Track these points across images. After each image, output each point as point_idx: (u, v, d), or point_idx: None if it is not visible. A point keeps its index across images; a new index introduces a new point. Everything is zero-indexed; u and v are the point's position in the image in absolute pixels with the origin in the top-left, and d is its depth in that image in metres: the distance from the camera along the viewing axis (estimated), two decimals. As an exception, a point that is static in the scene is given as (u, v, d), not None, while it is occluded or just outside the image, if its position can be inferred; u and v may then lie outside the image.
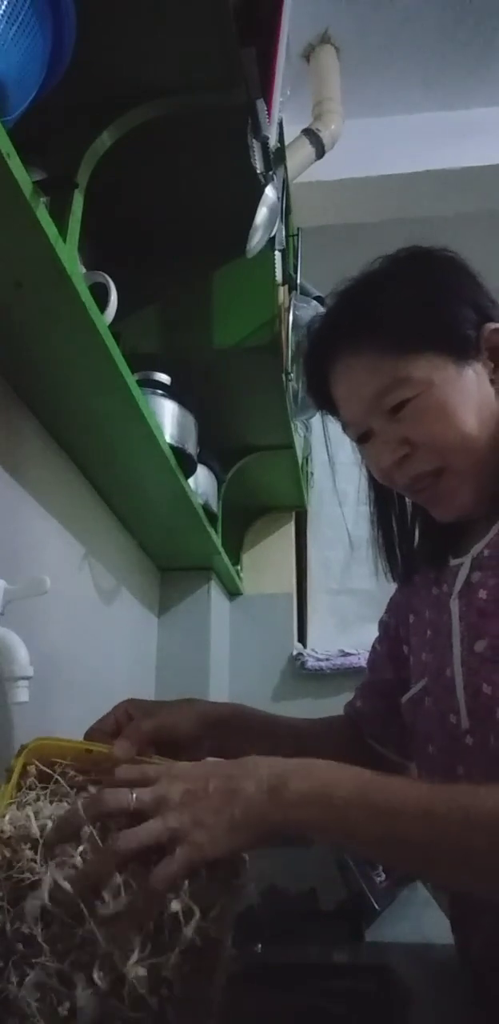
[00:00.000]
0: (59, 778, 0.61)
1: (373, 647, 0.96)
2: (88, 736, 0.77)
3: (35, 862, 0.53)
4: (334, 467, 0.96)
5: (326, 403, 0.81)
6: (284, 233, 1.48)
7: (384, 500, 0.86)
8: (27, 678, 0.77)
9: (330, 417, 0.84)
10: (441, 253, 0.77)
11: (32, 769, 0.63)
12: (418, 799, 0.56)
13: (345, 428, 0.80)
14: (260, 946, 0.87)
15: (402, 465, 0.74)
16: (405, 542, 0.86)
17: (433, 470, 0.73)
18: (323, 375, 0.79)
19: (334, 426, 0.85)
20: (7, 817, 0.57)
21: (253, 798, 0.55)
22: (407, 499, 0.85)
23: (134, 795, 0.55)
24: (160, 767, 0.59)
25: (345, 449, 0.88)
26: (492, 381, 0.74)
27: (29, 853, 0.54)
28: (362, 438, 0.78)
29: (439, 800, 0.55)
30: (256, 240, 1.17)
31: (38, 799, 0.60)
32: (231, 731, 0.85)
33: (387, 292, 0.75)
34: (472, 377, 0.73)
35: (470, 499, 0.74)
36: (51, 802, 0.59)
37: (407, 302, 0.73)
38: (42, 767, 0.63)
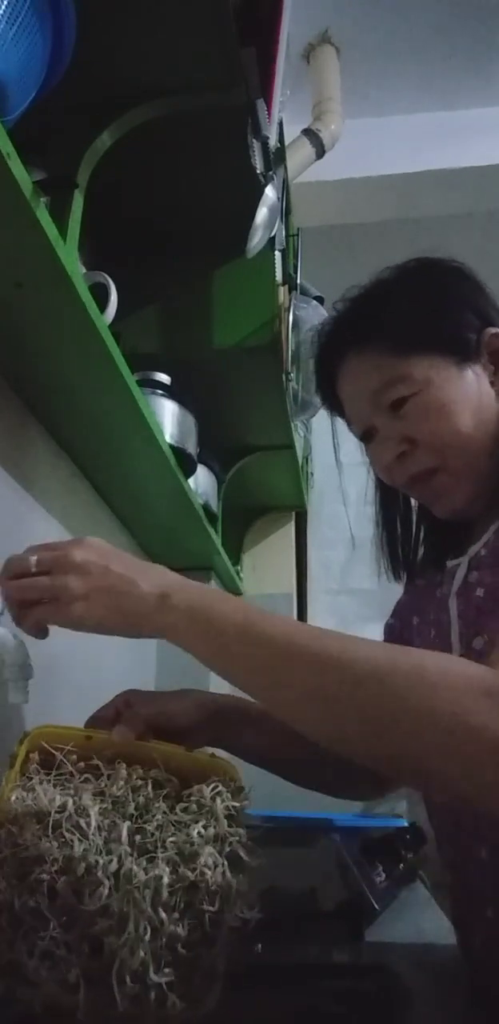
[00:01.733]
0: (64, 760, 0.63)
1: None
2: (89, 724, 0.77)
3: (40, 838, 0.54)
4: (341, 467, 0.98)
5: (334, 404, 0.84)
6: (284, 233, 1.48)
7: (389, 500, 0.87)
8: (27, 678, 0.77)
9: (338, 418, 0.87)
10: (448, 263, 0.80)
11: (35, 756, 0.64)
12: (303, 634, 0.58)
13: (350, 426, 0.83)
14: (260, 946, 0.87)
15: (402, 462, 0.76)
16: (408, 543, 0.87)
17: (430, 468, 0.75)
18: (331, 376, 0.82)
19: (339, 427, 0.87)
20: (13, 797, 0.58)
21: (143, 596, 0.59)
22: (412, 500, 0.87)
23: (35, 557, 0.60)
24: (73, 540, 0.63)
25: (346, 450, 0.89)
26: (492, 384, 0.76)
27: (36, 828, 0.55)
28: (365, 436, 0.80)
29: (328, 639, 0.57)
30: (256, 240, 1.17)
31: (41, 783, 0.61)
32: (229, 721, 0.85)
33: (392, 296, 0.78)
34: (472, 379, 0.75)
35: (464, 498, 0.76)
36: (54, 786, 0.61)
37: (411, 306, 0.77)
38: (45, 753, 0.63)
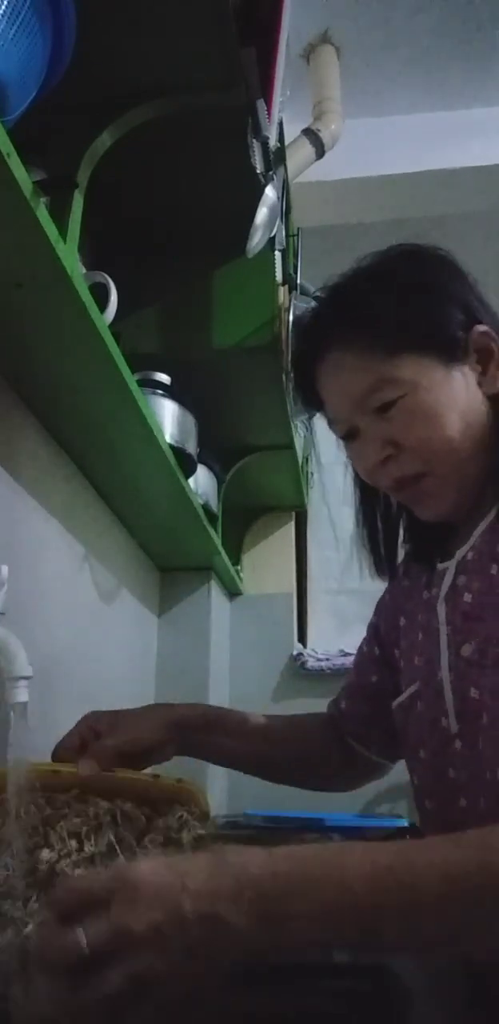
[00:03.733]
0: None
1: (359, 649, 0.96)
2: (54, 754, 0.77)
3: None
4: (321, 467, 0.96)
5: (312, 400, 0.81)
6: (284, 233, 1.48)
7: (369, 498, 0.85)
8: (27, 678, 0.77)
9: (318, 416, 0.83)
10: (432, 252, 0.76)
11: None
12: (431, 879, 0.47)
13: (331, 425, 0.79)
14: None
15: (386, 465, 0.74)
16: (389, 540, 0.85)
17: (416, 473, 0.73)
18: (310, 372, 0.78)
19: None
20: None
21: (241, 933, 0.43)
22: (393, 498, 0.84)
23: (84, 940, 0.42)
24: (111, 877, 0.45)
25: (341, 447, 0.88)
26: (480, 384, 0.73)
27: None
28: (348, 436, 0.77)
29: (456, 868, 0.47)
30: (256, 240, 1.17)
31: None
32: (196, 731, 0.86)
33: (376, 291, 0.74)
34: (460, 379, 0.72)
35: (450, 502, 0.74)
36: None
37: (396, 302, 0.72)
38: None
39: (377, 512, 0.85)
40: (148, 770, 0.81)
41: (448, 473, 0.72)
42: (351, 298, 0.75)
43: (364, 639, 0.96)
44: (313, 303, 1.55)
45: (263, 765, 0.93)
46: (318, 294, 0.80)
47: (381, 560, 0.85)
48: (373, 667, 0.91)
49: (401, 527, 0.85)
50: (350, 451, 0.79)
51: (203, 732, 0.86)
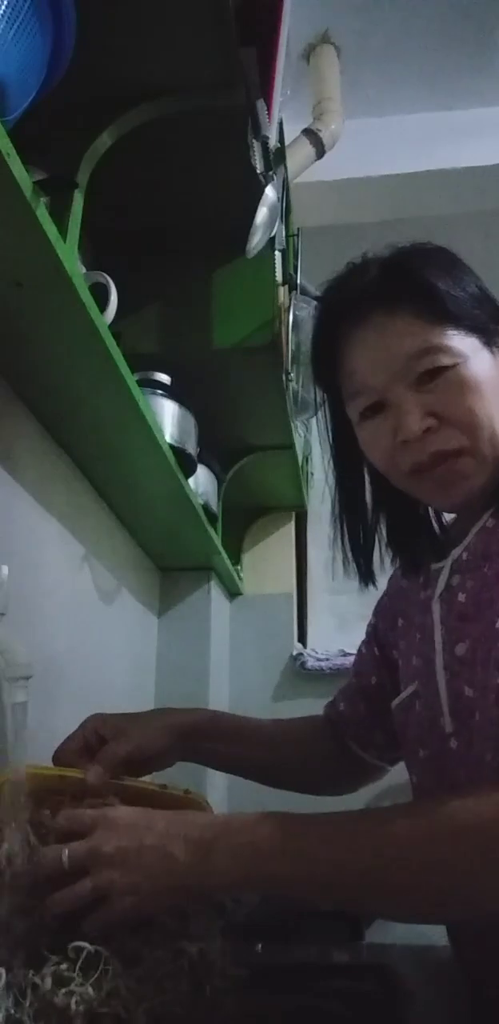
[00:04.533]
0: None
1: (358, 651, 0.96)
2: (57, 756, 0.77)
3: None
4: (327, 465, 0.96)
5: (328, 373, 0.78)
6: (284, 233, 1.48)
7: (352, 502, 0.83)
8: (27, 678, 0.77)
9: (324, 391, 0.81)
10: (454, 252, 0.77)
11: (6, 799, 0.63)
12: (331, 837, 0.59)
13: (353, 398, 0.75)
14: (260, 946, 0.87)
15: (423, 440, 0.69)
16: (368, 547, 0.83)
17: (456, 448, 0.69)
18: (337, 336, 0.75)
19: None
20: None
21: (182, 865, 0.58)
22: (368, 501, 0.82)
23: (66, 853, 0.59)
24: (96, 814, 0.62)
25: None
26: None
27: None
28: (371, 409, 0.73)
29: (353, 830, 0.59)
30: (256, 240, 1.17)
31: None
32: (203, 738, 0.86)
33: (427, 264, 0.72)
34: (495, 365, 0.72)
35: (478, 488, 0.71)
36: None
37: (445, 277, 0.71)
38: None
39: (358, 517, 0.83)
40: (148, 776, 0.81)
41: (486, 454, 0.69)
42: (401, 267, 0.73)
43: (363, 641, 0.96)
44: (314, 303, 1.56)
45: (264, 772, 0.93)
46: (347, 265, 0.78)
47: (361, 565, 0.83)
48: (372, 668, 0.91)
49: (379, 534, 0.83)
50: (369, 428, 0.74)
51: (205, 739, 0.87)
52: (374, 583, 0.85)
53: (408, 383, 0.70)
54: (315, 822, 0.60)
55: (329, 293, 0.78)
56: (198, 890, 0.60)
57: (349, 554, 0.83)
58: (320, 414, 0.84)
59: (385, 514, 0.83)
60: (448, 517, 0.82)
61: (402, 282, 0.71)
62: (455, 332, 0.70)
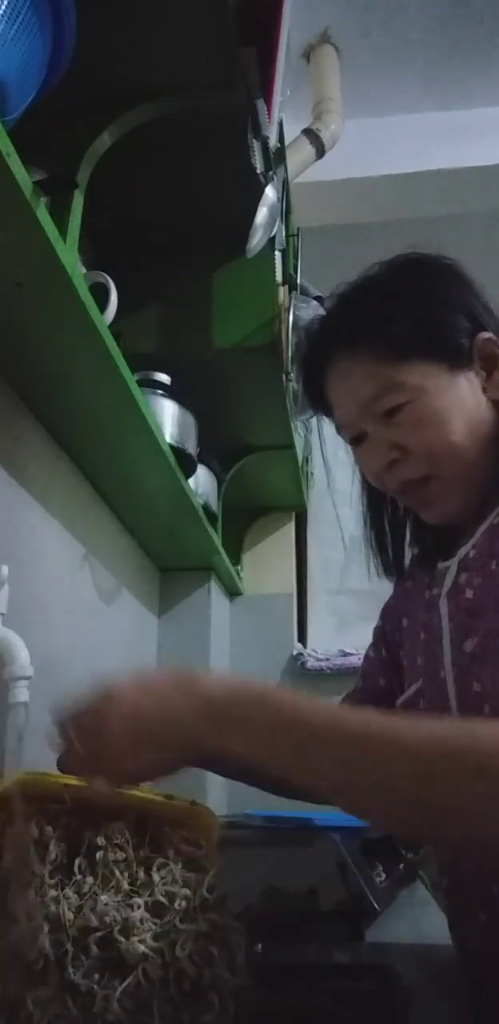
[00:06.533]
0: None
1: (366, 655, 0.96)
2: (61, 762, 0.77)
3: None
4: (328, 467, 0.97)
5: (321, 404, 0.83)
6: (284, 233, 1.48)
7: (377, 501, 0.87)
8: (27, 678, 0.77)
9: (325, 419, 0.85)
10: (437, 261, 0.78)
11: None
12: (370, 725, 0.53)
13: (339, 430, 0.81)
14: (260, 946, 0.87)
15: (391, 469, 0.75)
16: (397, 542, 0.87)
17: (422, 476, 0.74)
18: (319, 377, 0.80)
19: (330, 427, 0.86)
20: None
21: (189, 727, 0.55)
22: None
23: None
24: (97, 702, 0.59)
25: (345, 449, 0.88)
26: (484, 390, 0.75)
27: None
28: (355, 440, 0.79)
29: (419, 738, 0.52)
30: (256, 240, 1.18)
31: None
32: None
33: (384, 300, 0.76)
34: (465, 385, 0.74)
35: (456, 506, 0.75)
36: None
37: (403, 310, 0.75)
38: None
39: (384, 514, 0.86)
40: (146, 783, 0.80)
41: (453, 477, 0.73)
42: (357, 306, 0.77)
43: (370, 645, 0.96)
44: (314, 303, 1.56)
45: (274, 781, 0.92)
46: (326, 300, 0.81)
47: (389, 561, 0.86)
48: (381, 671, 0.91)
49: (408, 529, 0.86)
50: (357, 455, 0.81)
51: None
52: (402, 576, 0.87)
53: (376, 418, 0.75)
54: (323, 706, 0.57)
55: (310, 332, 0.83)
56: (202, 750, 0.57)
57: (376, 548, 0.86)
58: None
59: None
60: None
61: (358, 323, 0.76)
62: (414, 366, 0.73)
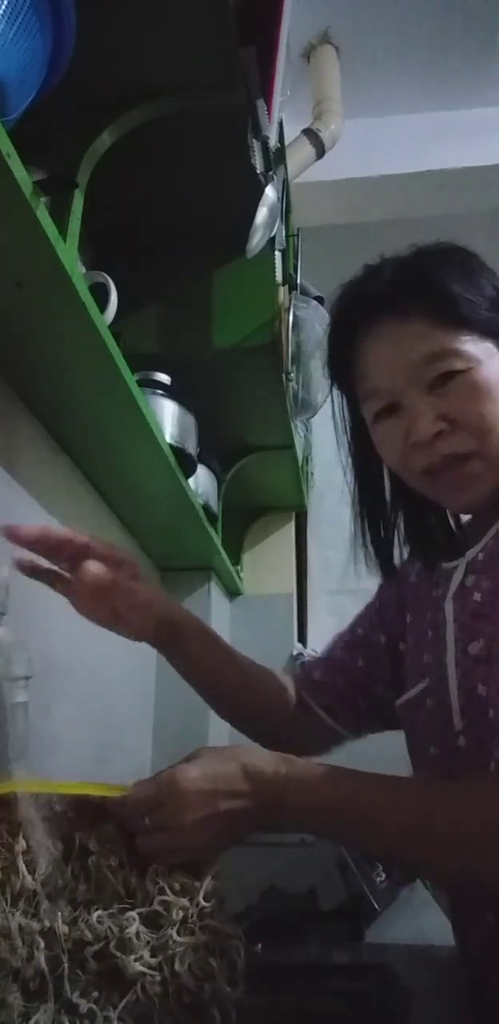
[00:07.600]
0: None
1: (352, 628, 0.95)
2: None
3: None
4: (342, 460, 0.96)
5: (342, 372, 0.79)
6: (284, 233, 1.48)
7: (370, 497, 0.84)
8: (27, 678, 0.77)
9: (339, 391, 0.82)
10: (474, 253, 0.76)
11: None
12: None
13: (367, 399, 0.76)
14: (260, 946, 0.87)
15: (435, 442, 0.70)
16: (388, 540, 0.84)
17: (467, 451, 0.70)
18: (352, 339, 0.76)
19: (330, 427, 0.84)
20: None
21: (254, 819, 0.62)
22: (387, 497, 0.83)
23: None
24: (162, 783, 0.60)
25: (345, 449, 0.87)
26: None
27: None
28: (386, 411, 0.74)
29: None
30: (256, 240, 1.18)
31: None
32: (186, 632, 0.87)
33: (441, 267, 0.73)
34: None
35: (488, 490, 0.72)
36: None
37: (460, 279, 0.72)
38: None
39: (378, 512, 0.84)
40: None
41: (496, 457, 0.70)
42: (416, 271, 0.74)
43: (358, 621, 0.95)
44: (314, 303, 1.56)
45: (233, 702, 0.91)
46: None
47: (383, 558, 0.84)
48: (359, 651, 0.91)
49: (398, 528, 0.84)
50: (383, 429, 0.75)
51: (188, 633, 0.87)
52: (394, 577, 0.86)
53: (421, 387, 0.71)
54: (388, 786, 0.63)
55: (344, 294, 0.78)
56: (277, 828, 0.64)
57: (370, 548, 0.84)
58: (336, 410, 0.83)
59: (403, 511, 0.84)
60: (464, 517, 0.82)
61: (416, 286, 0.72)
62: (468, 336, 0.70)
